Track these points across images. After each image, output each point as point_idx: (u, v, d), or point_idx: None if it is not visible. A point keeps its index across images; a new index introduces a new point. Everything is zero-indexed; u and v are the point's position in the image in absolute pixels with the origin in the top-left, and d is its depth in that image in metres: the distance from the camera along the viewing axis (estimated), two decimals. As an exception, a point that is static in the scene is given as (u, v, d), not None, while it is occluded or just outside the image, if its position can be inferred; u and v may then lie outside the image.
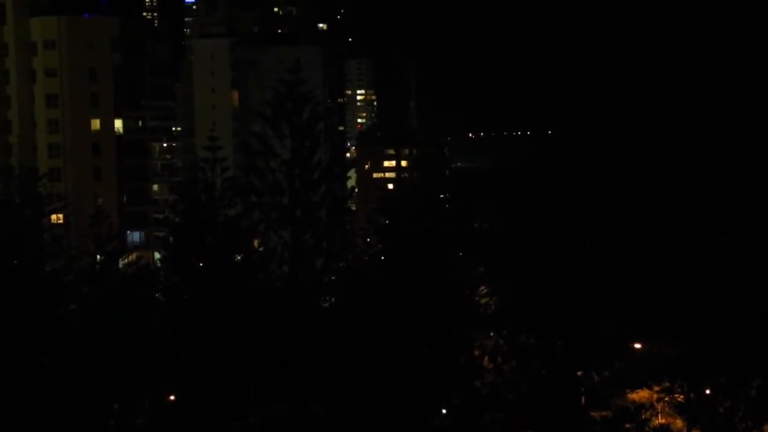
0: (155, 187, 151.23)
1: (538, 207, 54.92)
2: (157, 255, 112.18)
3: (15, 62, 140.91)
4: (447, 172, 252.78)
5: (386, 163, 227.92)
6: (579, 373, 53.13)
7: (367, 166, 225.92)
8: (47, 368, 46.71)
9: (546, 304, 51.94)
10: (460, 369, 49.88)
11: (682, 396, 58.18)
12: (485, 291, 55.34)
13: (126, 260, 60.62)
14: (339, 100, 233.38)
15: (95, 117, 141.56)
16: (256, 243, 48.28)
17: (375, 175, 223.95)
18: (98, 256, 52.59)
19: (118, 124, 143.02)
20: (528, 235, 54.55)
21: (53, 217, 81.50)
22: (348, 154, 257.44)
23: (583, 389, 53.60)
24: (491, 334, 53.82)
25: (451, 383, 49.34)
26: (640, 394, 61.85)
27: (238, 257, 47.90)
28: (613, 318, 55.83)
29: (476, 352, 51.37)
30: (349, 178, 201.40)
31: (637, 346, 62.52)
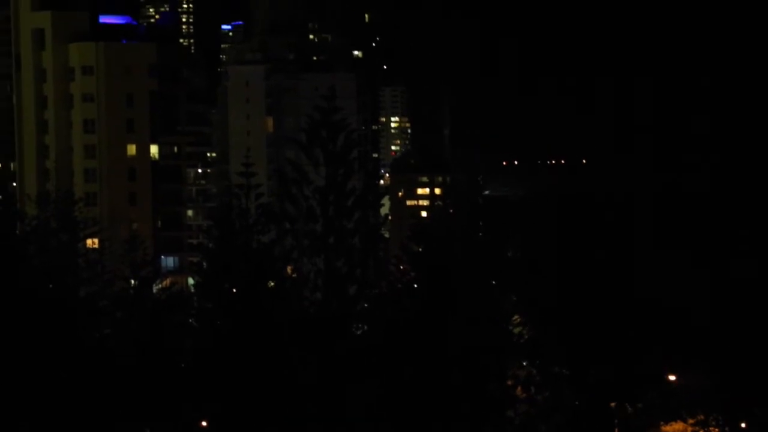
0: (190, 212, 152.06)
1: (571, 237, 54.73)
2: (191, 280, 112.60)
3: (53, 88, 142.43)
4: (480, 200, 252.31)
5: (420, 191, 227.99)
6: (612, 404, 52.75)
7: (400, 194, 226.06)
8: (81, 392, 46.89)
9: (579, 334, 51.67)
10: (493, 398, 49.64)
11: (717, 429, 57.59)
12: (518, 320, 55.12)
13: (160, 285, 60.81)
14: (373, 127, 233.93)
15: (131, 142, 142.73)
16: (289, 269, 48.33)
17: (408, 203, 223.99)
18: (132, 281, 52.84)
19: (154, 149, 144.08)
20: (561, 265, 54.34)
21: (89, 241, 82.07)
22: (382, 182, 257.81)
23: (616, 420, 53.18)
24: (524, 363, 53.55)
25: (483, 413, 49.08)
26: (675, 427, 61.28)
27: (271, 283, 47.95)
28: (647, 349, 55.39)
29: (509, 382, 51.12)
30: (383, 205, 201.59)
31: (672, 377, 61.99)
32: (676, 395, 59.18)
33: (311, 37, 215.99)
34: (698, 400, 58.13)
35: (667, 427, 61.14)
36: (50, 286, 53.28)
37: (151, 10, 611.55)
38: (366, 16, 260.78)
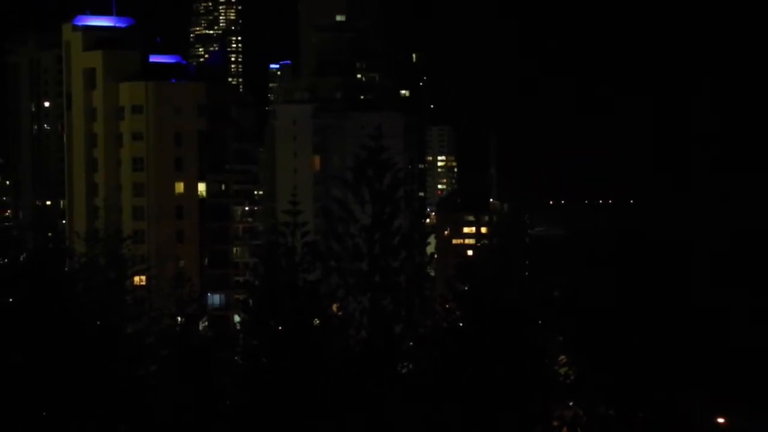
0: (236, 250, 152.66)
1: (620, 277, 54.37)
2: (237, 318, 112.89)
3: (103, 126, 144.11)
4: (527, 239, 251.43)
5: (466, 229, 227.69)
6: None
7: (446, 232, 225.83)
8: (128, 428, 47.11)
9: (626, 375, 51.16)
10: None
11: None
12: (564, 360, 54.67)
13: (206, 322, 61.13)
14: (420, 166, 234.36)
15: (179, 180, 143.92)
16: (335, 308, 48.35)
17: (454, 241, 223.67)
18: (179, 318, 53.07)
19: (202, 187, 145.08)
20: (608, 305, 53.93)
21: (136, 278, 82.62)
22: (428, 220, 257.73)
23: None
24: (570, 404, 53.09)
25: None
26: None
27: (317, 321, 47.97)
28: (696, 390, 54.76)
29: (555, 423, 50.68)
30: (429, 244, 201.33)
31: (720, 420, 61.24)
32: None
33: (358, 76, 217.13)
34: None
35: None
36: (98, 322, 53.65)
37: (200, 49, 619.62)
38: (413, 55, 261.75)
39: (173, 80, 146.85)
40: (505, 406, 47.76)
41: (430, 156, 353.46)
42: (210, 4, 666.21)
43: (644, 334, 52.60)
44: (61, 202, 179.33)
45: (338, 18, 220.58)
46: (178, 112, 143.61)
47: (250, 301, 48.87)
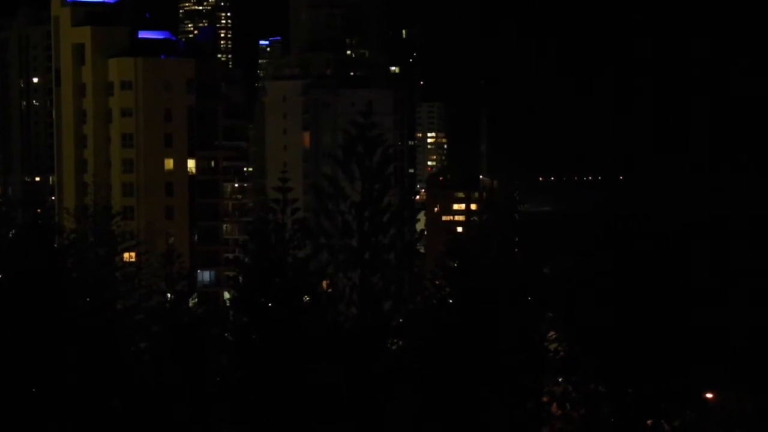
0: (226, 226, 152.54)
1: (614, 255, 54.28)
2: (226, 294, 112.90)
3: (92, 102, 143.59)
4: (517, 216, 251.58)
5: (456, 206, 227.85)
6: (649, 421, 52.31)
7: (436, 209, 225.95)
8: (117, 406, 47.13)
9: (618, 351, 51.31)
10: (529, 416, 49.39)
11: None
12: (554, 336, 54.81)
13: (196, 299, 61.12)
14: (410, 142, 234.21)
15: (169, 157, 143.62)
16: (324, 284, 48.39)
17: (444, 218, 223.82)
18: (169, 295, 53.06)
19: (191, 164, 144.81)
20: (601, 283, 53.97)
21: (126, 255, 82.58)
22: (418, 197, 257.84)
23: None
24: (560, 380, 53.25)
25: (519, 430, 48.85)
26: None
27: (307, 298, 48.03)
28: (685, 366, 54.90)
29: (545, 399, 50.86)
30: (419, 220, 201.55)
31: (709, 395, 61.44)
32: (713, 414, 58.61)
33: (348, 52, 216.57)
34: (737, 419, 57.58)
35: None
36: (87, 299, 53.63)
37: (189, 25, 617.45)
38: (403, 32, 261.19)
39: (162, 56, 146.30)
40: (495, 382, 47.90)
41: (420, 133, 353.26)
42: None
43: (635, 311, 52.72)
44: (51, 179, 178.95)
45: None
46: (167, 89, 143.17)
47: (240, 278, 48.90)
